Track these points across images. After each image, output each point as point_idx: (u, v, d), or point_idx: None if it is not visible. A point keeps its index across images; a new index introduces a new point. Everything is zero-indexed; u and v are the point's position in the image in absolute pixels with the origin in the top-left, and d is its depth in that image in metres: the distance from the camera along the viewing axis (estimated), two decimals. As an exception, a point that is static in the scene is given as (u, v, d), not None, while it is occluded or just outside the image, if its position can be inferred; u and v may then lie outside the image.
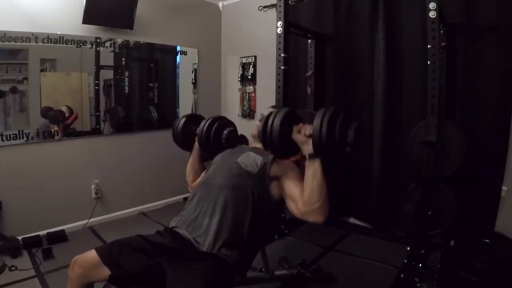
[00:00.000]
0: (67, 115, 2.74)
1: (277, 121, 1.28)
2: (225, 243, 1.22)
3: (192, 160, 1.75)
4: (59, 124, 2.68)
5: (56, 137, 2.69)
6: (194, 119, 1.79)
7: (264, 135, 1.32)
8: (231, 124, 1.72)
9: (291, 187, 1.32)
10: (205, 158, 1.78)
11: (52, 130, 2.66)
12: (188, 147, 1.76)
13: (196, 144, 1.71)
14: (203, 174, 1.71)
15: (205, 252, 1.22)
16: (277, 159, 1.41)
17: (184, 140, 1.76)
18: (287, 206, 1.34)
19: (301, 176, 1.32)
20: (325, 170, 1.25)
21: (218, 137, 1.63)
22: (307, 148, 1.26)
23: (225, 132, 1.63)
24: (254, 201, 1.31)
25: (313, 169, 1.24)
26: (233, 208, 1.28)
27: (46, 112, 2.62)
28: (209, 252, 1.21)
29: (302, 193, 1.26)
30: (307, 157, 1.26)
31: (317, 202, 1.22)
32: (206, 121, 1.64)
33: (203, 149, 1.69)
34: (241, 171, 1.37)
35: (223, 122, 1.67)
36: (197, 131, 1.66)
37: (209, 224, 1.27)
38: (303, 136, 1.27)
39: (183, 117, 1.79)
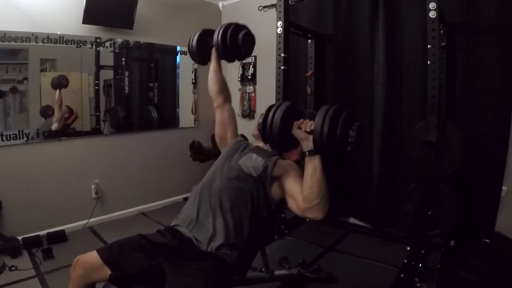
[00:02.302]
0: (67, 115, 2.74)
1: (278, 115, 1.28)
2: (225, 243, 1.22)
3: (212, 70, 1.71)
4: (61, 89, 2.67)
5: (53, 121, 2.66)
6: (209, 32, 1.75)
7: (264, 129, 1.32)
8: (244, 27, 1.69)
9: (291, 185, 1.32)
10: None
11: (52, 129, 2.66)
12: (206, 61, 1.74)
13: (214, 54, 1.69)
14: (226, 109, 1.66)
15: (205, 252, 1.22)
16: (279, 161, 1.41)
17: (200, 54, 1.74)
18: (288, 204, 1.34)
19: (301, 175, 1.32)
20: (325, 167, 1.25)
21: (235, 42, 1.62)
22: (307, 144, 1.26)
23: (241, 35, 1.62)
24: (253, 203, 1.31)
25: (312, 165, 1.24)
26: (233, 210, 1.28)
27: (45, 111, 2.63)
28: (209, 251, 1.22)
29: (302, 190, 1.26)
30: (306, 153, 1.27)
31: (316, 198, 1.22)
32: (220, 29, 1.63)
33: (222, 56, 1.67)
34: (241, 174, 1.37)
35: (236, 27, 1.65)
36: (213, 41, 1.65)
37: (210, 224, 1.27)
38: (304, 132, 1.27)
39: (198, 31, 1.76)
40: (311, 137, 1.24)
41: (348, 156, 1.28)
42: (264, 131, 1.33)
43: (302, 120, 1.32)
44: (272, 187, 1.35)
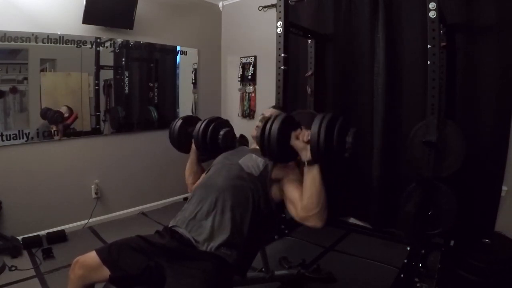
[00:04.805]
0: (67, 115, 2.74)
1: (275, 128, 1.27)
2: (224, 242, 1.22)
3: (190, 162, 1.74)
4: (58, 125, 2.69)
5: (56, 137, 2.69)
6: (190, 121, 1.78)
7: (262, 142, 1.31)
8: (227, 124, 1.71)
9: (291, 190, 1.32)
10: (204, 159, 1.77)
11: (52, 130, 2.66)
12: (186, 150, 1.75)
13: (194, 146, 1.70)
14: (203, 175, 1.71)
15: (204, 252, 1.22)
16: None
17: (181, 142, 1.75)
18: (287, 208, 1.35)
19: (301, 178, 1.32)
20: (324, 175, 1.25)
21: (215, 138, 1.62)
22: (306, 154, 1.25)
23: (221, 132, 1.63)
24: (254, 202, 1.31)
25: (311, 175, 1.24)
26: (233, 209, 1.28)
27: (45, 113, 2.61)
28: (208, 251, 1.21)
29: (301, 196, 1.26)
30: (305, 163, 1.26)
31: (315, 208, 1.23)
32: (202, 123, 1.63)
33: (200, 151, 1.67)
34: (242, 173, 1.37)
35: (219, 123, 1.66)
36: (193, 134, 1.65)
37: (209, 224, 1.27)
38: (301, 142, 1.27)
39: (179, 119, 1.78)
40: (309, 146, 1.23)
41: (346, 163, 1.26)
42: (262, 145, 1.31)
43: (299, 130, 1.31)
44: (272, 188, 1.36)
